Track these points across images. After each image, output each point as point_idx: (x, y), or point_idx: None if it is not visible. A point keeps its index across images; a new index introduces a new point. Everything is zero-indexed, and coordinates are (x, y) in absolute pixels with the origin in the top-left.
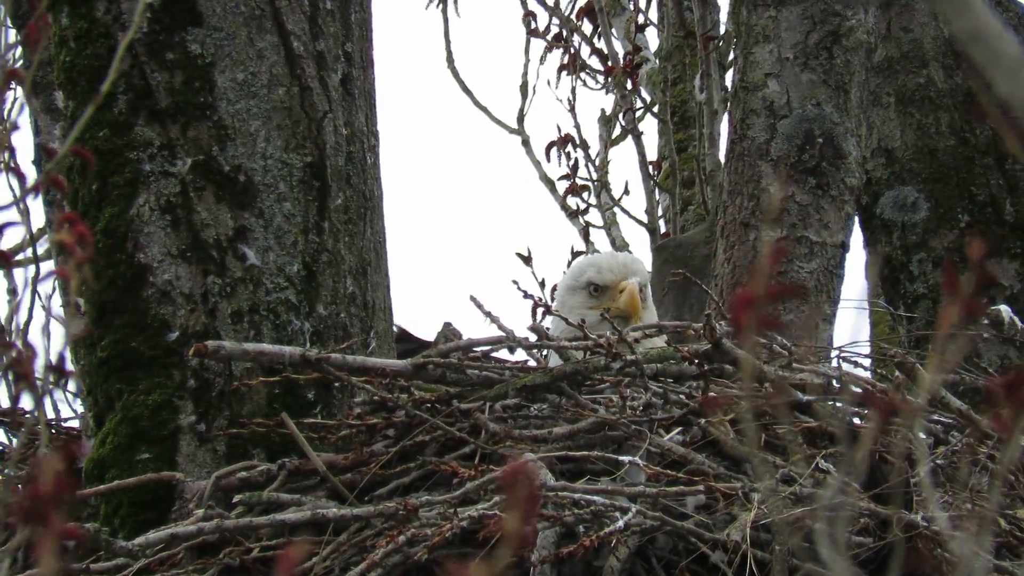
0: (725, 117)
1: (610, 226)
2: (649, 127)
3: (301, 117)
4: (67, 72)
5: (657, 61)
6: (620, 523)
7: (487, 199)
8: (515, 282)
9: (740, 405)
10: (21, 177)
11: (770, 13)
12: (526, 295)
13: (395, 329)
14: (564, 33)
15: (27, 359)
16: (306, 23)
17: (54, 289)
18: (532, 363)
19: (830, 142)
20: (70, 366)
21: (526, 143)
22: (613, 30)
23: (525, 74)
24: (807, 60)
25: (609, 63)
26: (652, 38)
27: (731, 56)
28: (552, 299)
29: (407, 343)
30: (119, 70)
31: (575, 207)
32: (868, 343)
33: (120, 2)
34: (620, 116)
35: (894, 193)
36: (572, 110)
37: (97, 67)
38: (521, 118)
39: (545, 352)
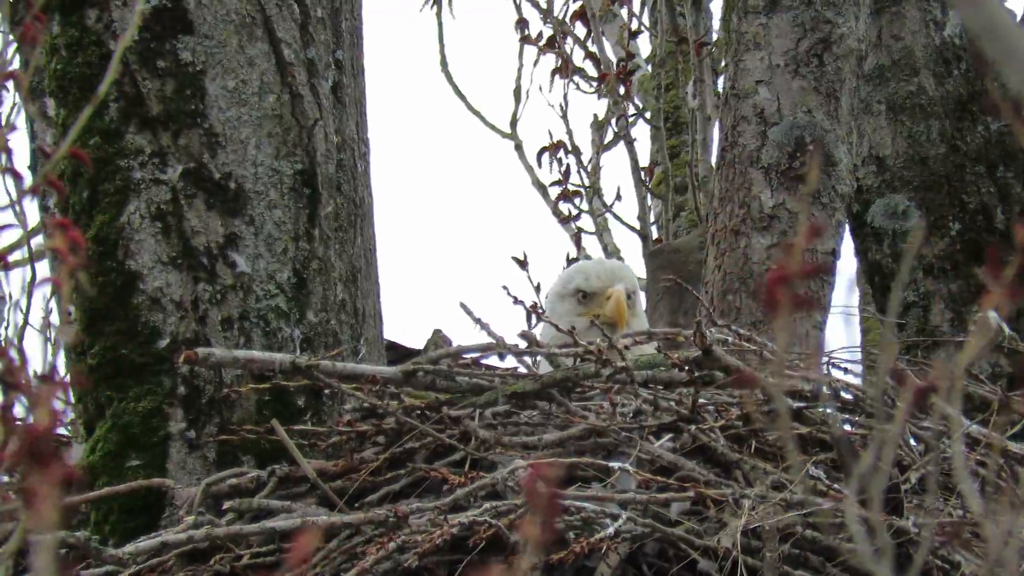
0: (718, 123)
1: (602, 232)
2: (641, 133)
3: (292, 124)
4: (58, 80)
5: (649, 67)
6: (610, 529)
7: (480, 204)
8: (505, 288)
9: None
10: (18, 178)
11: (761, 20)
12: (516, 301)
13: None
14: (557, 37)
15: (19, 368)
16: (297, 31)
17: (48, 294)
18: (522, 370)
19: (821, 149)
20: (63, 374)
21: (519, 148)
22: (605, 36)
23: (518, 79)
24: (798, 67)
25: (602, 69)
26: (644, 44)
27: (723, 63)
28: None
29: (396, 352)
30: (117, 71)
31: (567, 213)
32: (858, 349)
33: (111, 10)
34: (613, 122)
35: (885, 201)
36: (564, 116)
37: (88, 75)
38: (514, 123)
39: (537, 359)
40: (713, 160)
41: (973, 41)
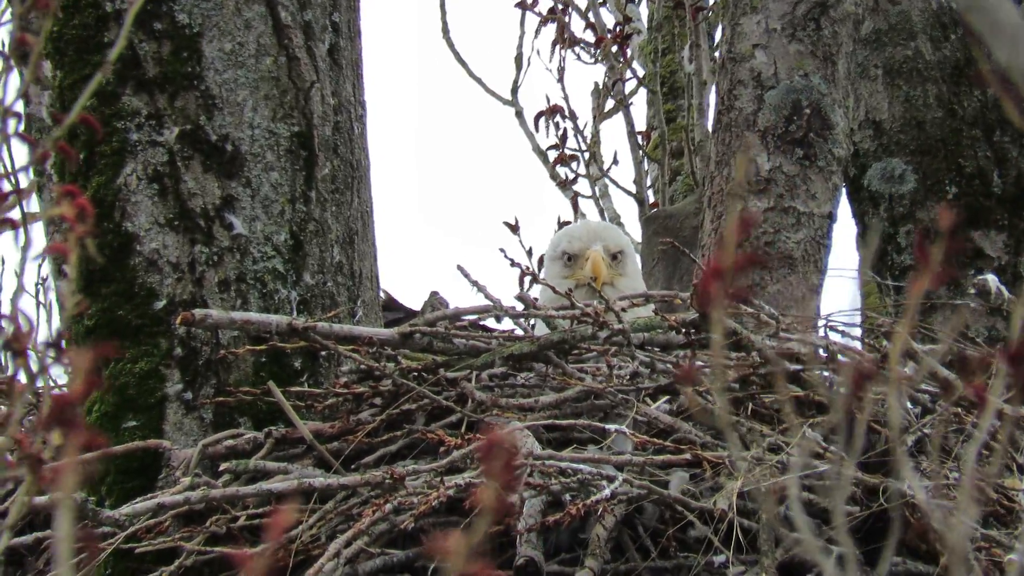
0: (714, 88)
1: (600, 196)
2: (638, 98)
3: (288, 87)
4: (55, 42)
5: (646, 32)
6: (607, 492)
7: (480, 169)
8: (502, 250)
9: (718, 376)
10: (32, 144)
11: None
12: (513, 263)
13: (382, 295)
14: (558, 6)
15: (24, 334)
16: None
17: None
18: (519, 332)
19: (817, 113)
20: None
21: (519, 115)
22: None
23: (520, 46)
24: (795, 31)
25: (599, 34)
26: (642, 10)
27: (720, 27)
28: (539, 268)
29: (394, 311)
30: (127, 36)
31: (564, 177)
32: (854, 312)
33: None
34: (610, 87)
35: (882, 165)
36: (561, 80)
37: (85, 37)
38: (515, 90)
39: (533, 321)
40: (709, 125)
41: (961, 13)
